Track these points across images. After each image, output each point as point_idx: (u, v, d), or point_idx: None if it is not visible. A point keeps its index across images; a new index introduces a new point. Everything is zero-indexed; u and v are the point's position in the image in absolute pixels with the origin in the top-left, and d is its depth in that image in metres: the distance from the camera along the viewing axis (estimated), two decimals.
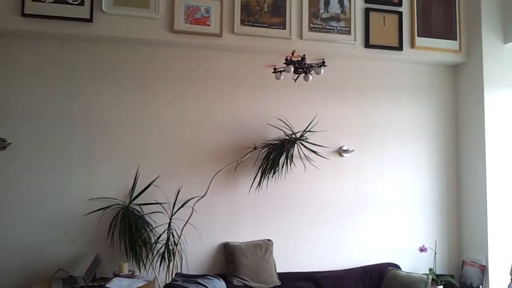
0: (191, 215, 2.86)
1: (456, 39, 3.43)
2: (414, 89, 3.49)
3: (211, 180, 2.96)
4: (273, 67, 2.79)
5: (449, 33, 3.43)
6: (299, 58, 2.65)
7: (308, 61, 2.74)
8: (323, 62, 2.69)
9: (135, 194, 2.85)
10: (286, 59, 2.63)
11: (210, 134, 3.06)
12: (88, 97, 2.87)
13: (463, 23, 3.47)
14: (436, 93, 3.54)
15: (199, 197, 2.93)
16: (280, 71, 2.76)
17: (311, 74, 2.72)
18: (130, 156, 2.91)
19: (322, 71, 2.69)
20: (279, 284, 2.93)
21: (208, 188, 2.94)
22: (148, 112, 2.96)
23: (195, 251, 2.97)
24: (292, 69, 2.64)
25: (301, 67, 2.68)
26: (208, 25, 2.95)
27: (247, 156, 3.03)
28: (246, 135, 3.10)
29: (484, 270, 3.23)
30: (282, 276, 2.99)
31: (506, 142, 3.29)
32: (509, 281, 3.02)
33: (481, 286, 3.18)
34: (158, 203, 2.88)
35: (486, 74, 3.30)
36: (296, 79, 2.81)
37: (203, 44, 2.98)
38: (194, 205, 2.90)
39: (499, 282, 3.17)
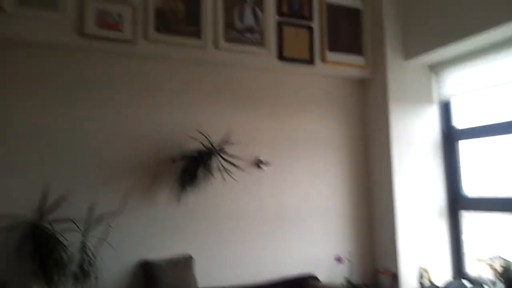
0: (106, 232, 2.97)
1: (363, 55, 4.02)
2: (326, 102, 3.98)
3: (127, 195, 3.11)
4: None
5: (356, 49, 4.00)
6: None
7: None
8: None
9: (45, 210, 2.86)
10: None
11: (126, 146, 3.20)
12: None
13: (368, 40, 4.06)
14: (347, 106, 4.08)
15: (114, 213, 3.06)
16: None
17: None
18: (39, 169, 2.93)
19: None
20: None
21: (124, 203, 3.08)
22: (58, 121, 3.02)
23: (112, 270, 3.05)
24: None
25: None
26: (121, 31, 3.13)
27: (165, 168, 3.24)
28: (163, 147, 3.29)
29: (395, 277, 3.75)
30: None
31: (410, 153, 3.90)
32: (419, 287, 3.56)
33: None
34: (70, 220, 2.91)
35: (390, 89, 3.88)
36: None
37: (116, 50, 3.15)
38: (110, 221, 3.02)
39: None
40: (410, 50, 3.93)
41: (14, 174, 2.88)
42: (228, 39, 3.48)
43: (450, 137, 3.98)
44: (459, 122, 3.94)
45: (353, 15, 4.03)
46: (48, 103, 3.02)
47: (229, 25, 3.50)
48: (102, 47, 3.09)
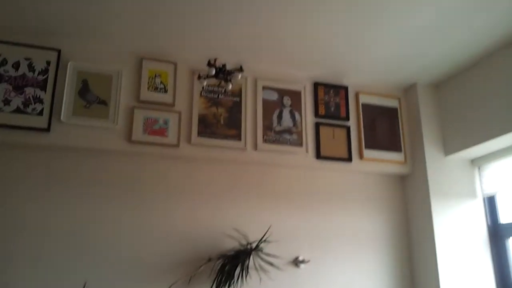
0: None
1: (401, 151, 4.10)
2: (365, 198, 4.04)
3: None
4: (198, 74, 3.19)
5: (394, 145, 4.10)
6: (221, 65, 3.11)
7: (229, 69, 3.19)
8: (241, 67, 3.14)
9: None
10: (209, 62, 3.05)
11: (163, 245, 3.35)
12: (42, 207, 3.15)
13: (406, 136, 4.16)
14: (387, 202, 4.10)
15: None
16: (204, 78, 3.16)
17: (231, 83, 3.15)
18: (76, 270, 3.12)
19: (240, 76, 3.13)
20: None
21: None
22: (101, 222, 3.25)
23: None
24: (214, 71, 3.05)
25: (222, 72, 3.11)
26: (166, 136, 3.41)
27: (201, 268, 3.34)
28: (200, 246, 3.43)
29: None
30: None
31: (455, 249, 3.81)
32: None
33: None
34: None
35: (431, 185, 3.90)
36: (219, 85, 3.16)
37: (161, 154, 3.41)
38: None
39: None
40: (450, 145, 3.98)
41: (55, 274, 3.08)
42: (267, 140, 3.69)
43: (498, 234, 3.88)
44: (507, 217, 3.85)
45: (390, 113, 4.18)
46: (90, 205, 3.27)
47: (267, 127, 3.73)
48: (147, 151, 3.36)
